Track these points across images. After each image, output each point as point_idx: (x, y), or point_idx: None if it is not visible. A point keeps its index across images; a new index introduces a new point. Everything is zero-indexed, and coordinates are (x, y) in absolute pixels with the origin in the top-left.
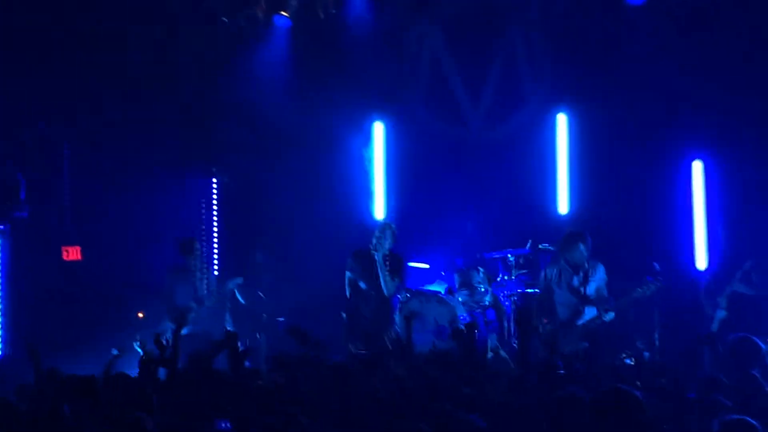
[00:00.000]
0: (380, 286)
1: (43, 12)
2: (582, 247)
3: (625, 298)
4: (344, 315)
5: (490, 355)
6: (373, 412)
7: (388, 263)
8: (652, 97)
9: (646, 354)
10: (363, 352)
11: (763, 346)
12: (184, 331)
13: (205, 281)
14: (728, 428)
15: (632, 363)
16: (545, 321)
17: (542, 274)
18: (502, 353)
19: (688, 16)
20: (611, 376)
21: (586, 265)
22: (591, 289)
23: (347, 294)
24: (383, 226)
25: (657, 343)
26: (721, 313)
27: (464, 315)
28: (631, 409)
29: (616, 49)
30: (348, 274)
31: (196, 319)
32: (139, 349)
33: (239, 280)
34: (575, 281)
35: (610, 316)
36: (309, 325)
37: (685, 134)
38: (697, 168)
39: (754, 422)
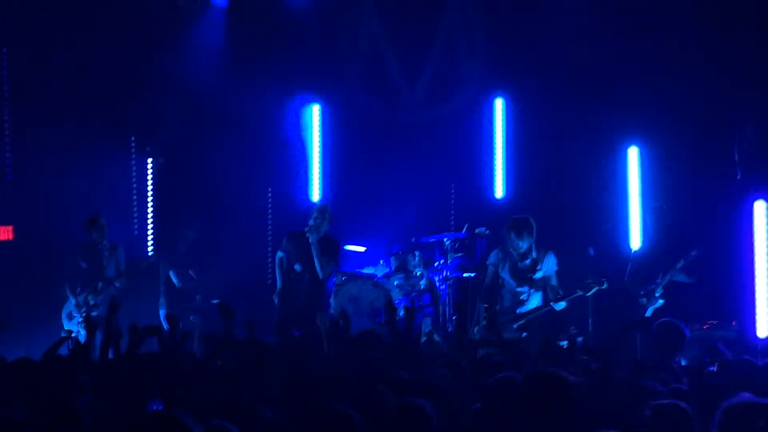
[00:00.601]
0: (315, 268)
1: None
2: (527, 233)
3: (565, 297)
4: (276, 298)
5: (423, 339)
6: (307, 393)
7: (323, 246)
8: (589, 83)
9: (579, 339)
10: (296, 333)
11: (687, 332)
12: (93, 313)
13: (114, 259)
14: (660, 413)
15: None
16: (486, 306)
17: (492, 256)
18: (436, 337)
19: (625, 2)
20: (545, 360)
21: (534, 252)
22: (538, 276)
23: (277, 275)
24: (320, 208)
25: (591, 328)
26: (658, 303)
27: (400, 299)
28: (560, 392)
29: (553, 34)
30: (279, 254)
31: (104, 300)
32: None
33: (154, 258)
34: (520, 268)
35: (560, 305)
36: (243, 306)
37: (622, 120)
38: (633, 154)
39: (685, 406)
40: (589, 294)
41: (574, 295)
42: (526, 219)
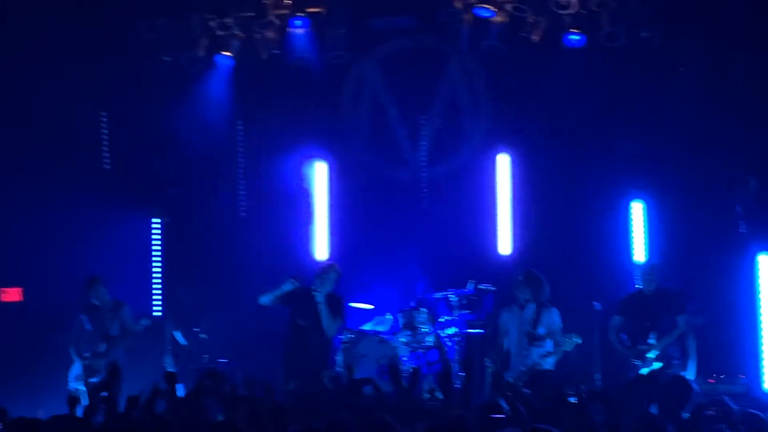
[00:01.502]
0: (320, 326)
1: None
2: (526, 286)
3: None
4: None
5: (426, 396)
6: None
7: (330, 305)
8: (592, 138)
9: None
10: (300, 390)
11: (695, 387)
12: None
13: (118, 319)
14: None
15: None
16: (490, 361)
17: (501, 315)
18: (438, 395)
19: (625, 58)
20: (548, 418)
21: (536, 306)
22: (541, 332)
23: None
24: (327, 267)
25: (599, 383)
26: (653, 365)
27: (406, 355)
28: None
29: (556, 90)
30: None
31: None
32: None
33: (147, 322)
34: (525, 320)
35: (549, 362)
36: (250, 364)
37: (626, 175)
38: (637, 208)
39: None
40: (567, 348)
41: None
42: (535, 275)
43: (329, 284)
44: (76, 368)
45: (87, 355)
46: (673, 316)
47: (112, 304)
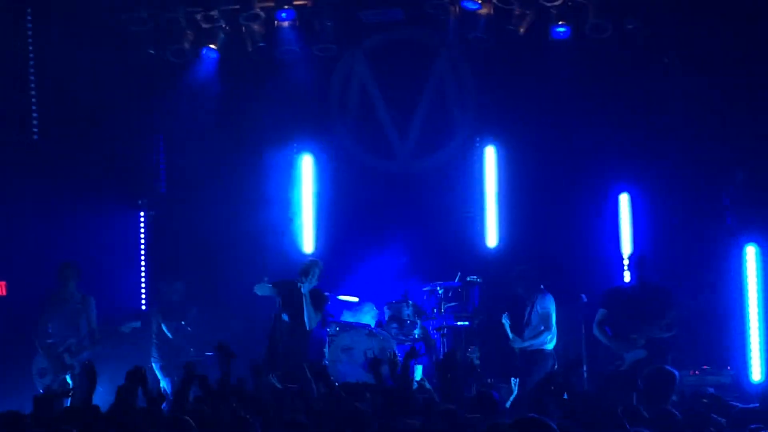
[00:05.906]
0: (302, 319)
1: None
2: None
3: None
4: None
5: (414, 386)
6: None
7: (313, 298)
8: (579, 131)
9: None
10: (282, 384)
11: (677, 374)
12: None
13: (85, 313)
14: None
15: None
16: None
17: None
18: (427, 385)
19: (611, 50)
20: (536, 407)
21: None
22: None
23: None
24: (310, 263)
25: (585, 375)
26: (640, 353)
27: (393, 348)
28: None
29: (543, 82)
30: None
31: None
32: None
33: (136, 324)
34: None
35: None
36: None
37: (612, 167)
38: (624, 200)
39: None
40: None
41: None
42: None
43: (313, 279)
44: (41, 362)
45: (59, 350)
46: (659, 310)
47: (80, 296)
